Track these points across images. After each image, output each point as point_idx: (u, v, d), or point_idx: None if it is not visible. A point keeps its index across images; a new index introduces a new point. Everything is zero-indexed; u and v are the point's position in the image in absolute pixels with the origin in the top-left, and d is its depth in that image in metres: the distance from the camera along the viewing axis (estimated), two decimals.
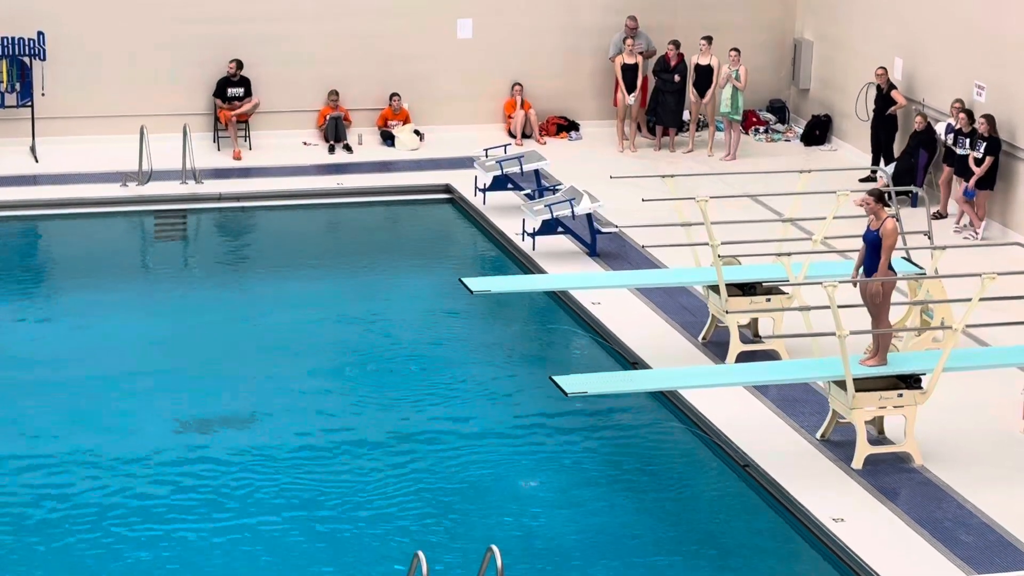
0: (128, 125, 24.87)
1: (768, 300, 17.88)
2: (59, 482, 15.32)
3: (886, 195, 16.03)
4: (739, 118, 25.79)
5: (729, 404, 16.56)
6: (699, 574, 14.11)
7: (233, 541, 14.34)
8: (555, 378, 15.22)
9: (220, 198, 23.85)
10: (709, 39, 25.83)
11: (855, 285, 15.85)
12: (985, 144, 21.82)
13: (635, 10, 26.59)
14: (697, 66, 25.95)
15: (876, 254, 15.71)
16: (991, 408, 16.65)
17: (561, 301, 19.88)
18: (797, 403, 16.63)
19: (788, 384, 16.82)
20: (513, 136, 26.51)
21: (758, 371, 16.42)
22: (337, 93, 26.12)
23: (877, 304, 15.62)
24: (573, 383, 15.18)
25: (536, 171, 23.35)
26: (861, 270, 15.95)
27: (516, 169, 23.14)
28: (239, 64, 25.58)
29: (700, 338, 18.35)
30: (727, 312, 17.64)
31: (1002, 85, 22.34)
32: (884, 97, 24.23)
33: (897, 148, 24.29)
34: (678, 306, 19.37)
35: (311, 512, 14.81)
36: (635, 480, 15.62)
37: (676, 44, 26.08)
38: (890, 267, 15.79)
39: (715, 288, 17.80)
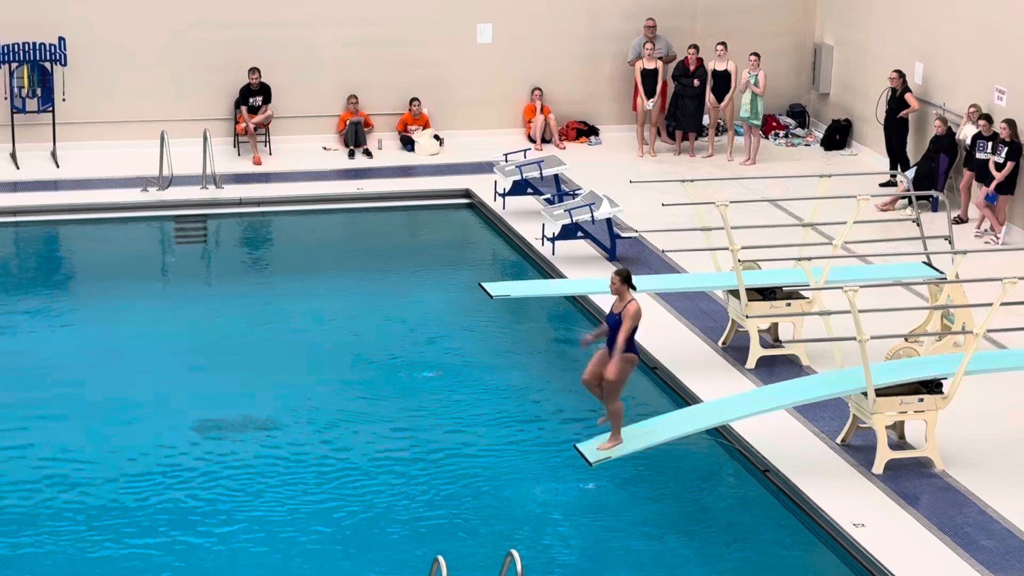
0: (149, 130, 24.95)
1: (788, 305, 17.86)
2: (78, 485, 15.36)
3: (632, 277, 15.12)
4: (758, 123, 25.77)
5: None
6: None
7: (249, 545, 14.36)
8: (578, 446, 15.08)
9: (240, 203, 23.89)
10: (725, 44, 25.82)
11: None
12: (1007, 149, 21.77)
13: (655, 14, 26.58)
14: (714, 71, 25.93)
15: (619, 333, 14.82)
16: (1012, 413, 16.61)
17: (581, 306, 19.88)
18: (817, 408, 16.59)
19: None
20: (533, 141, 26.51)
21: (782, 394, 15.94)
22: (356, 98, 26.15)
23: (610, 387, 14.81)
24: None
25: (556, 176, 23.35)
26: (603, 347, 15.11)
27: (536, 174, 23.14)
28: (259, 73, 25.60)
29: (720, 343, 18.33)
30: (747, 317, 17.62)
31: (1023, 89, 22.29)
32: (898, 100, 24.21)
33: (911, 151, 24.25)
34: (698, 311, 19.35)
35: (330, 517, 14.82)
36: (654, 486, 15.61)
37: (696, 48, 26.08)
38: (633, 348, 14.91)
39: (735, 293, 17.78)
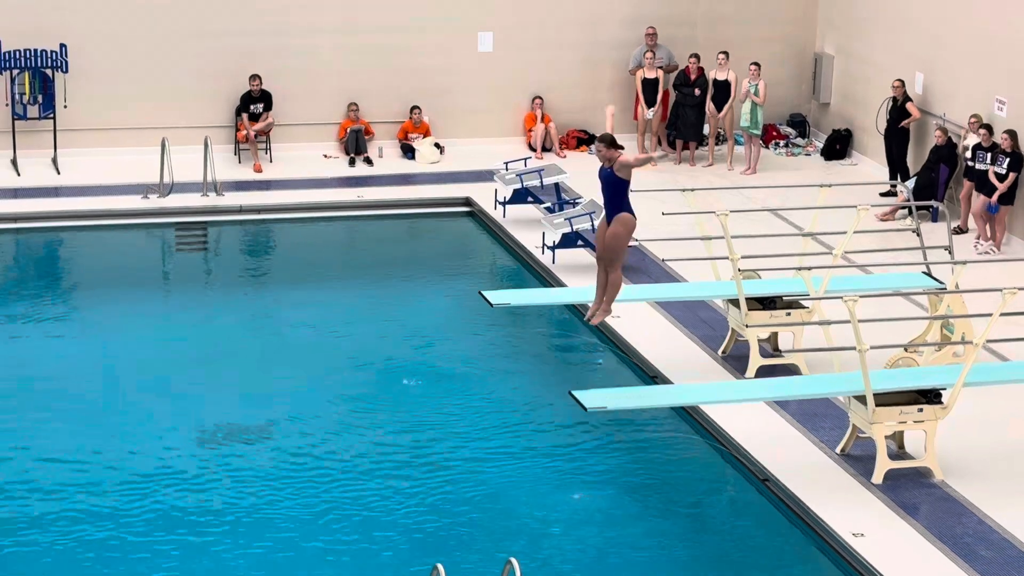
0: (149, 137, 24.98)
1: (788, 314, 17.87)
2: (77, 491, 15.35)
3: (616, 140, 15.22)
4: (758, 132, 25.79)
5: (748, 418, 16.54)
6: None
7: (249, 552, 14.36)
8: (575, 393, 15.22)
9: (241, 210, 23.91)
10: (727, 54, 25.84)
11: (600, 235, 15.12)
12: (1008, 159, 21.79)
13: (655, 23, 26.61)
14: (715, 81, 25.96)
15: (617, 192, 15.04)
16: (1012, 423, 16.62)
17: (580, 314, 19.87)
18: (817, 417, 16.61)
19: (808, 398, 16.81)
20: (533, 149, 26.54)
21: (778, 387, 16.39)
22: (357, 106, 26.18)
23: (612, 251, 14.93)
24: (593, 398, 15.18)
25: (556, 184, 23.37)
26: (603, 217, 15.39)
27: (536, 182, 23.16)
28: (260, 80, 25.62)
29: (720, 352, 18.34)
30: (747, 326, 17.64)
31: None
32: (899, 109, 24.23)
33: (910, 161, 24.28)
34: (698, 320, 19.36)
35: (328, 524, 14.83)
36: (654, 494, 15.61)
37: (697, 57, 26.10)
38: (629, 209, 15.13)
39: (735, 302, 17.80)
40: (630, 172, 14.74)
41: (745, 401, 16.45)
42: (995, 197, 21.81)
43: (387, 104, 26.54)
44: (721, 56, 25.82)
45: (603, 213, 15.54)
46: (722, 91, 25.92)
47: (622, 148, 14.99)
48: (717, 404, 16.46)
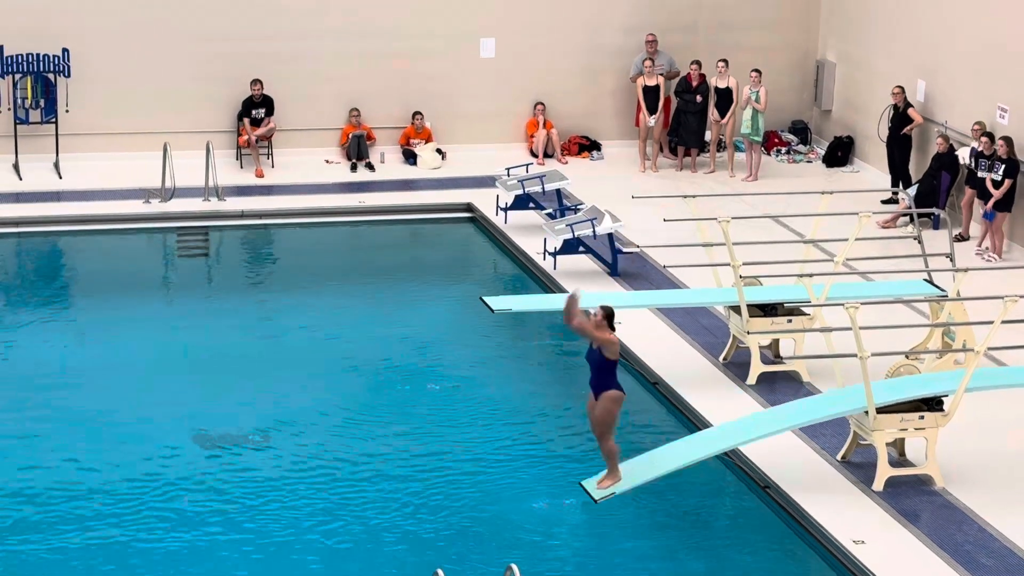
0: (151, 142, 24.99)
1: (789, 321, 17.87)
2: (75, 495, 15.36)
3: (614, 317, 14.58)
4: (759, 139, 25.80)
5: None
6: None
7: (249, 558, 14.36)
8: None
9: (242, 215, 23.92)
10: (726, 61, 25.82)
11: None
12: (1004, 166, 21.79)
13: (656, 30, 26.62)
14: (716, 89, 25.96)
15: (603, 370, 14.40)
16: (1013, 430, 16.61)
17: None
18: (817, 425, 16.55)
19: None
20: (535, 155, 26.54)
21: (787, 416, 15.89)
22: (358, 111, 26.19)
23: (600, 429, 14.55)
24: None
25: (558, 190, 23.38)
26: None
27: (538, 188, 23.16)
28: (261, 85, 25.64)
29: (721, 358, 18.34)
30: (748, 333, 17.64)
31: None
32: (901, 116, 24.24)
33: (913, 168, 24.28)
34: (699, 326, 19.36)
35: (328, 529, 14.82)
36: (654, 502, 15.59)
37: (698, 64, 26.11)
38: (616, 385, 14.45)
39: (736, 309, 17.80)
40: (616, 353, 14.48)
41: (764, 438, 15.62)
42: (990, 204, 21.81)
43: (389, 109, 26.55)
44: (721, 64, 25.81)
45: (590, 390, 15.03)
46: (724, 99, 25.92)
47: (614, 329, 14.65)
48: (723, 450, 15.81)
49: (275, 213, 24.05)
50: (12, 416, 17.17)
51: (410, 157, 26.32)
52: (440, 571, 12.21)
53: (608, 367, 14.45)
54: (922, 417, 15.35)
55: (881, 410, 15.25)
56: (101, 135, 25.69)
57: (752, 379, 17.63)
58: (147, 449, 16.34)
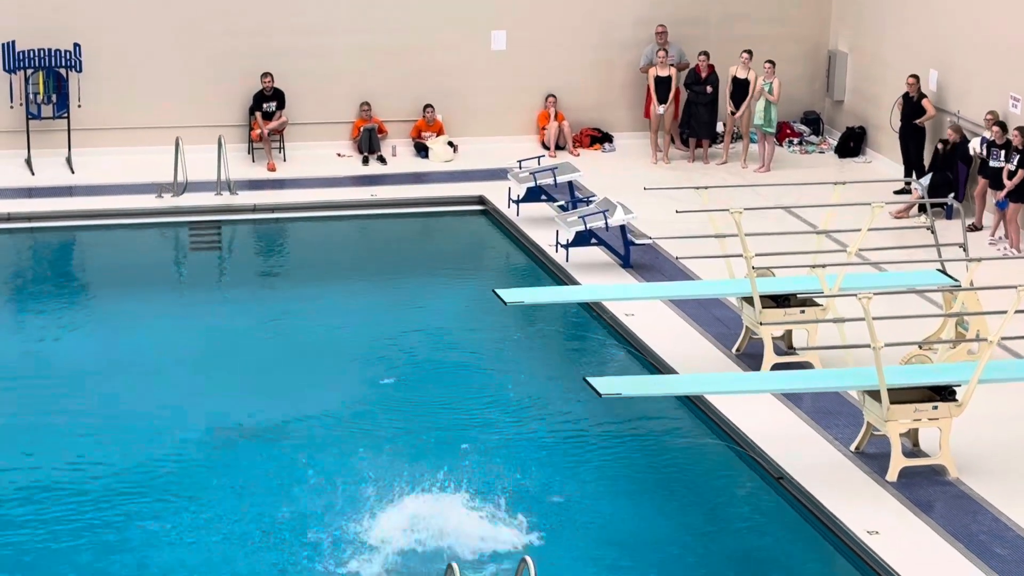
0: (163, 136, 25.01)
1: (802, 312, 17.85)
2: (89, 489, 15.39)
3: None
4: (772, 130, 25.76)
5: (763, 416, 16.53)
6: None
7: (262, 548, 14.37)
8: (589, 379, 15.18)
9: (255, 209, 23.93)
10: (750, 52, 25.77)
11: None
12: (1019, 156, 21.74)
13: (668, 22, 26.59)
14: (734, 79, 25.92)
15: None
16: None
17: (594, 312, 19.88)
18: (831, 415, 16.59)
19: (822, 395, 16.80)
20: (547, 148, 26.53)
21: (790, 379, 16.36)
22: (369, 105, 26.19)
23: None
24: (607, 384, 15.11)
25: (570, 183, 23.37)
26: None
27: (550, 180, 23.15)
28: (272, 78, 25.66)
29: (734, 350, 18.33)
30: (761, 324, 17.62)
31: None
32: (914, 106, 24.18)
33: (927, 158, 24.22)
34: (712, 318, 19.35)
35: (343, 521, 14.82)
36: (668, 492, 15.60)
37: (707, 55, 26.08)
38: None
39: (749, 300, 17.78)
40: None
41: (756, 392, 16.39)
42: (1003, 193, 21.76)
43: (400, 103, 26.56)
44: (744, 55, 25.75)
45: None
46: (741, 89, 25.88)
47: None
48: (732, 394, 16.38)
49: (287, 207, 24.07)
50: (22, 409, 17.19)
51: (422, 150, 26.32)
52: (454, 564, 12.21)
53: None
54: (936, 407, 15.33)
55: (895, 400, 15.23)
56: (113, 130, 25.72)
57: (765, 370, 17.60)
58: (158, 442, 16.36)
